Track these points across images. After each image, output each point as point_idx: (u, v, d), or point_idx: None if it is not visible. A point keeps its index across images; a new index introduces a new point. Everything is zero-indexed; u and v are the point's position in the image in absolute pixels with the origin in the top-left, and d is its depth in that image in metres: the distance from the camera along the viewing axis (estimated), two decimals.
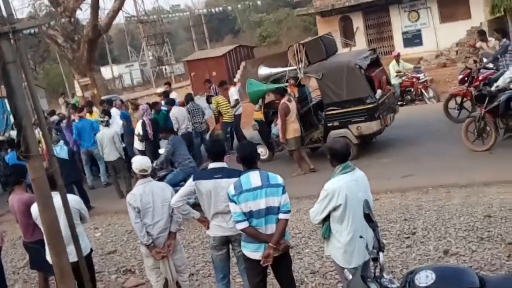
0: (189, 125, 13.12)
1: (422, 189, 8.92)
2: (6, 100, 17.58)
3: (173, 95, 15.66)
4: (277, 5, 46.26)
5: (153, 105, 13.81)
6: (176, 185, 9.32)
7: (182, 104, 13.82)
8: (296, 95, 12.29)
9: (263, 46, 40.59)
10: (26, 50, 4.57)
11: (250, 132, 13.70)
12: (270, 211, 4.89)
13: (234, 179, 5.07)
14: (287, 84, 11.77)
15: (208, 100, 14.55)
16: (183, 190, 5.56)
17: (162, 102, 14.21)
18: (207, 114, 14.30)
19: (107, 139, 11.91)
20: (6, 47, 4.29)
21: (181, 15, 52.29)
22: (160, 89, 17.60)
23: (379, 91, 11.75)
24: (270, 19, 44.40)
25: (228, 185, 5.10)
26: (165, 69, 49.64)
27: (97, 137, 12.14)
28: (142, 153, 12.34)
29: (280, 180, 5.01)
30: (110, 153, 11.97)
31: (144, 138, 12.41)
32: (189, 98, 13.80)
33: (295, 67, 11.57)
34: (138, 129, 12.59)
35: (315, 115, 12.32)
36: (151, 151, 12.05)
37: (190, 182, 5.51)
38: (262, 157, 12.22)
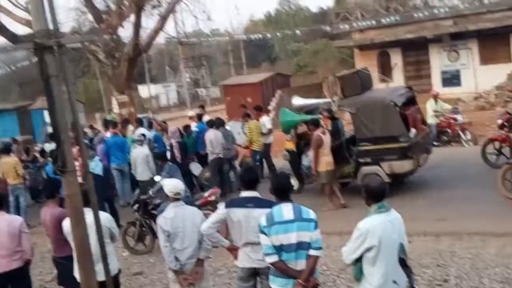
0: (221, 151, 13.02)
1: (456, 234, 8.66)
2: (46, 112, 17.86)
3: (205, 118, 15.63)
4: (316, 35, 46.43)
5: (185, 128, 13.85)
6: None
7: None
8: (329, 128, 12.19)
9: (299, 75, 40.72)
10: (68, 64, 4.65)
11: (280, 161, 13.58)
12: (301, 246, 4.77)
13: (266, 210, 4.97)
14: (320, 116, 11.68)
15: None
16: (214, 217, 5.48)
17: (194, 125, 14.23)
18: (238, 141, 14.16)
19: (140, 159, 11.96)
20: (50, 60, 4.33)
21: (220, 39, 52.94)
22: (191, 112, 17.61)
23: (413, 130, 11.58)
24: (307, 49, 44.63)
25: (260, 215, 5.00)
26: (201, 91, 50.20)
27: (130, 156, 12.19)
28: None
29: (313, 215, 4.89)
30: (142, 172, 11.99)
31: (171, 161, 12.42)
32: (219, 123, 13.59)
33: (329, 100, 11.51)
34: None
35: (347, 150, 12.15)
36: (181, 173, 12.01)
37: (221, 210, 5.43)
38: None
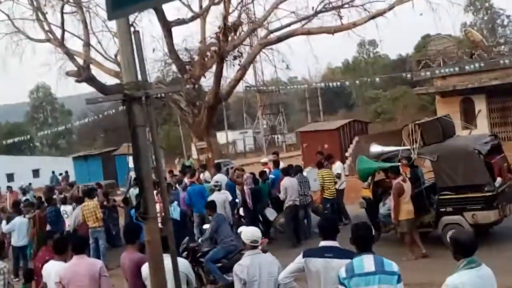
0: (297, 198, 12.98)
1: None
2: (128, 158, 18.55)
3: (281, 165, 15.68)
4: (395, 82, 46.02)
5: (260, 174, 13.94)
6: (217, 261, 9.55)
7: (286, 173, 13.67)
8: (408, 176, 11.86)
9: (377, 122, 40.24)
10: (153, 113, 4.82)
11: (356, 209, 13.26)
12: None
13: (346, 261, 4.85)
14: (399, 163, 11.41)
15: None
16: (292, 266, 5.40)
17: (267, 171, 14.30)
18: (313, 188, 14.07)
19: (219, 204, 12.09)
20: (138, 111, 4.46)
21: (297, 87, 53.53)
22: (265, 159, 17.74)
23: (499, 179, 11.10)
24: (386, 96, 44.16)
25: (339, 266, 4.89)
26: (277, 137, 50.56)
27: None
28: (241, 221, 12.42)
29: (395, 267, 4.70)
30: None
31: (242, 206, 12.50)
32: (296, 170, 13.68)
33: (408, 147, 11.30)
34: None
35: (427, 198, 11.75)
36: (250, 220, 12.03)
37: (299, 259, 5.34)
38: None
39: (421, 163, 13.74)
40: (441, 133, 11.57)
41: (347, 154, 24.39)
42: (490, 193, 10.47)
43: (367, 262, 4.68)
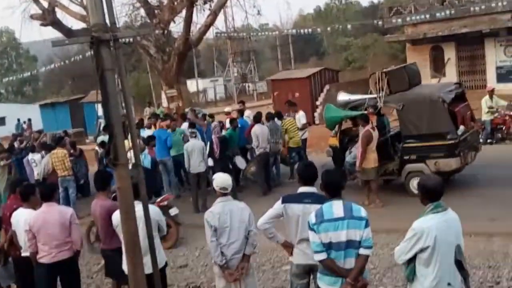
0: (267, 145, 13.03)
1: (509, 235, 8.35)
2: (97, 106, 18.12)
3: (247, 113, 15.62)
4: (366, 30, 45.77)
5: (231, 121, 13.94)
6: None
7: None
8: (374, 124, 11.98)
9: (348, 70, 40.24)
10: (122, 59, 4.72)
11: (324, 157, 13.36)
12: (350, 244, 4.69)
13: None
14: (365, 112, 11.49)
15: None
16: (271, 212, 5.45)
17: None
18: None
19: (197, 150, 12.08)
20: (106, 54, 4.38)
21: (269, 34, 52.85)
22: (227, 108, 17.61)
23: (461, 127, 11.31)
24: (357, 43, 44.03)
25: None
26: (248, 86, 50.24)
27: (185, 148, 12.25)
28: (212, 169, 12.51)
29: (364, 213, 4.79)
30: (199, 164, 12.12)
31: (209, 156, 12.53)
32: (270, 116, 13.66)
33: (375, 96, 11.36)
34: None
35: (392, 147, 11.92)
36: (219, 168, 12.01)
37: (278, 204, 5.39)
38: None
39: (390, 112, 13.85)
40: (407, 81, 11.58)
41: (317, 102, 24.50)
42: (453, 141, 10.63)
43: (336, 207, 4.75)
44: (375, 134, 10.87)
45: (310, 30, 44.62)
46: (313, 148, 16.17)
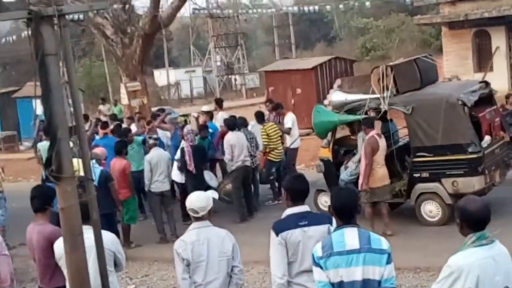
0: (247, 158, 13.02)
1: None
2: (35, 102, 18.05)
3: (220, 116, 15.54)
4: (390, 9, 46.11)
5: (200, 129, 13.96)
6: None
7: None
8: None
9: (366, 60, 40.50)
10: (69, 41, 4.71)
11: (313, 174, 13.24)
12: (367, 285, 4.70)
13: (324, 226, 5.05)
14: (366, 116, 11.61)
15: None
16: (277, 256, 5.39)
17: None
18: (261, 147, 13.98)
19: (164, 163, 12.07)
20: (48, 34, 4.37)
21: (263, 12, 52.99)
22: (206, 107, 17.57)
23: (487, 138, 11.42)
24: (378, 26, 44.31)
25: (317, 234, 5.10)
26: (235, 79, 50.34)
27: (149, 160, 12.21)
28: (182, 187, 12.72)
29: (385, 245, 4.82)
30: (165, 181, 12.18)
31: (182, 168, 12.56)
32: (241, 123, 13.56)
33: (378, 96, 11.47)
34: (177, 156, 12.85)
35: (399, 161, 11.97)
36: (192, 185, 12.06)
37: (275, 240, 5.38)
38: (323, 208, 11.84)
39: (395, 117, 13.88)
40: (419, 78, 11.68)
41: (325, 101, 24.57)
42: (475, 155, 10.73)
43: (349, 237, 4.76)
44: (382, 142, 10.96)
45: (316, 7, 44.83)
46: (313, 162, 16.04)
